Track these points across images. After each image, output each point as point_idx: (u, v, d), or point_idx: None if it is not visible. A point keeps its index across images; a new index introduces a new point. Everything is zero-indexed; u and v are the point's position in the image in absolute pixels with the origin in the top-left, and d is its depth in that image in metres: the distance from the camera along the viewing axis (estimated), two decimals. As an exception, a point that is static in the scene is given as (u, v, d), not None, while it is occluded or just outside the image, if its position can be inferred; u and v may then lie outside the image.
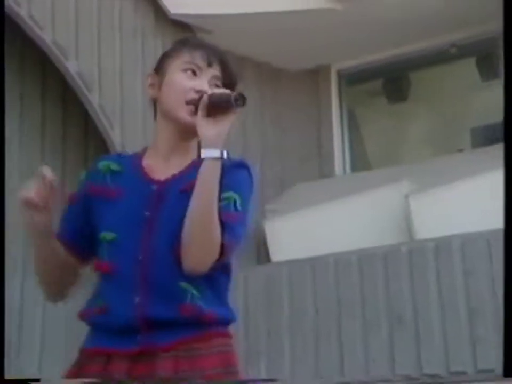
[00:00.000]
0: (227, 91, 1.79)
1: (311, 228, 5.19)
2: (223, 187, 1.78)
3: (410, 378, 4.40)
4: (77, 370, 1.82)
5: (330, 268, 4.80)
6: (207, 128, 1.75)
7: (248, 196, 1.85)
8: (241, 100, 1.75)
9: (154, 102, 1.95)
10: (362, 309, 4.63)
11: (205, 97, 1.77)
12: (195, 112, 1.79)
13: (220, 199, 1.76)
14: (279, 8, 5.40)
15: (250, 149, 5.57)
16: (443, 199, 4.86)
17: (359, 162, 6.35)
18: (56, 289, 1.96)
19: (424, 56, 6.16)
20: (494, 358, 3.98)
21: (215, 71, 1.90)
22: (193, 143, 1.86)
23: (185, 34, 5.47)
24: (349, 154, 6.25)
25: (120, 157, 2.01)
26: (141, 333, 1.77)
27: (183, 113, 1.85)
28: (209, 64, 1.90)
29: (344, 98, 6.40)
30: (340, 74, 6.39)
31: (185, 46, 1.93)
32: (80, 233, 1.93)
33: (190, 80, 1.88)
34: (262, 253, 5.28)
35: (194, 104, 1.81)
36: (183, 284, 1.78)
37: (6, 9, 4.59)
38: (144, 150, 1.99)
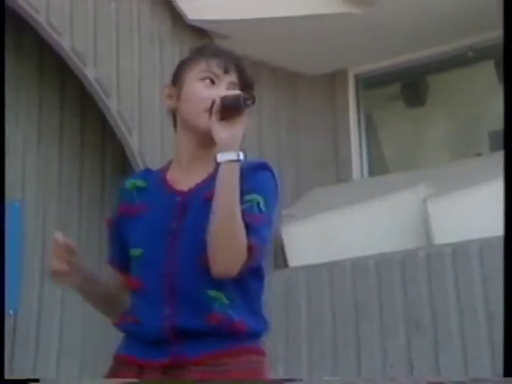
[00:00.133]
0: (237, 92, 1.80)
1: (329, 233, 5.18)
2: (245, 190, 1.77)
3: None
4: (112, 377, 1.85)
5: (347, 273, 4.79)
6: (221, 131, 1.76)
7: (272, 197, 1.84)
8: (250, 99, 1.75)
9: (174, 113, 1.95)
10: (380, 314, 4.61)
11: (218, 101, 1.78)
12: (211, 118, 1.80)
13: (242, 202, 1.76)
14: (296, 13, 5.40)
15: (266, 154, 5.58)
16: (461, 203, 4.84)
17: (377, 166, 6.33)
18: (116, 313, 1.95)
19: (442, 60, 6.14)
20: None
21: (232, 77, 1.91)
22: (214, 151, 1.86)
23: (202, 39, 5.49)
24: (367, 159, 6.24)
25: (146, 173, 2.02)
26: (171, 344, 1.77)
27: (203, 121, 1.85)
28: (226, 71, 1.90)
29: (362, 102, 6.39)
30: (358, 79, 6.38)
31: (201, 54, 1.94)
32: (126, 255, 1.92)
33: (208, 89, 1.88)
34: (279, 258, 5.28)
35: (210, 110, 1.81)
36: (212, 292, 1.78)
37: (25, 16, 4.64)
38: (169, 163, 1.99)
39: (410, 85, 6.40)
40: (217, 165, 1.76)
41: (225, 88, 1.88)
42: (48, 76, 5.30)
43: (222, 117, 1.77)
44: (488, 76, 6.01)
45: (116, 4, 5.04)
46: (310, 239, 5.23)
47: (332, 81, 6.32)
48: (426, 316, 4.48)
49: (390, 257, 4.70)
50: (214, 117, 1.77)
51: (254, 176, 1.82)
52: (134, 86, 5.04)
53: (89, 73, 4.79)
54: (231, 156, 1.73)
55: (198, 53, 1.96)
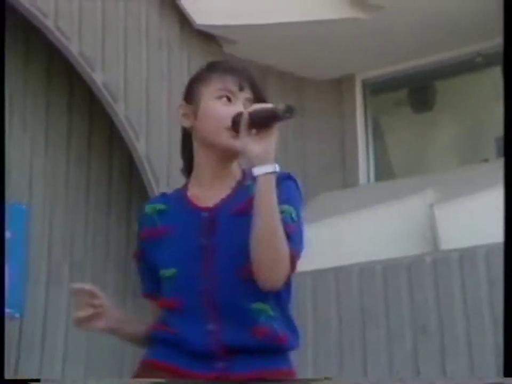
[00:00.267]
0: (268, 105, 1.81)
1: (335, 238, 5.17)
2: (278, 201, 1.80)
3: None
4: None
5: (354, 278, 4.79)
6: (253, 145, 1.77)
7: (300, 207, 1.89)
8: (289, 111, 1.76)
9: (189, 131, 1.96)
10: (387, 319, 4.61)
11: (246, 115, 1.79)
12: (236, 135, 1.81)
13: None
14: (303, 18, 5.41)
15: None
16: (468, 208, 4.83)
17: (384, 171, 6.33)
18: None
19: (450, 66, 6.13)
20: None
21: (247, 94, 1.92)
22: (234, 167, 1.92)
23: (210, 44, 5.51)
24: (374, 164, 6.24)
25: (164, 196, 2.03)
26: (218, 359, 1.79)
27: (223, 138, 1.87)
28: (241, 89, 1.92)
29: (369, 107, 6.40)
30: (365, 84, 6.39)
31: (214, 71, 1.95)
32: (158, 280, 1.92)
33: (226, 107, 1.89)
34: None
35: (235, 125, 1.82)
36: (256, 305, 1.81)
37: (33, 21, 4.66)
38: (187, 183, 2.00)
39: (417, 91, 6.40)
40: (242, 178, 1.85)
41: (242, 105, 1.90)
42: (56, 80, 5.32)
43: (250, 132, 1.78)
44: (496, 82, 5.99)
45: (124, 9, 5.06)
46: (317, 243, 5.21)
47: (339, 86, 6.33)
48: (433, 321, 4.48)
49: (396, 262, 4.69)
50: (244, 132, 1.79)
51: (283, 187, 1.85)
52: (141, 90, 5.06)
53: (97, 77, 4.81)
54: (268, 168, 1.76)
55: (211, 70, 1.96)
